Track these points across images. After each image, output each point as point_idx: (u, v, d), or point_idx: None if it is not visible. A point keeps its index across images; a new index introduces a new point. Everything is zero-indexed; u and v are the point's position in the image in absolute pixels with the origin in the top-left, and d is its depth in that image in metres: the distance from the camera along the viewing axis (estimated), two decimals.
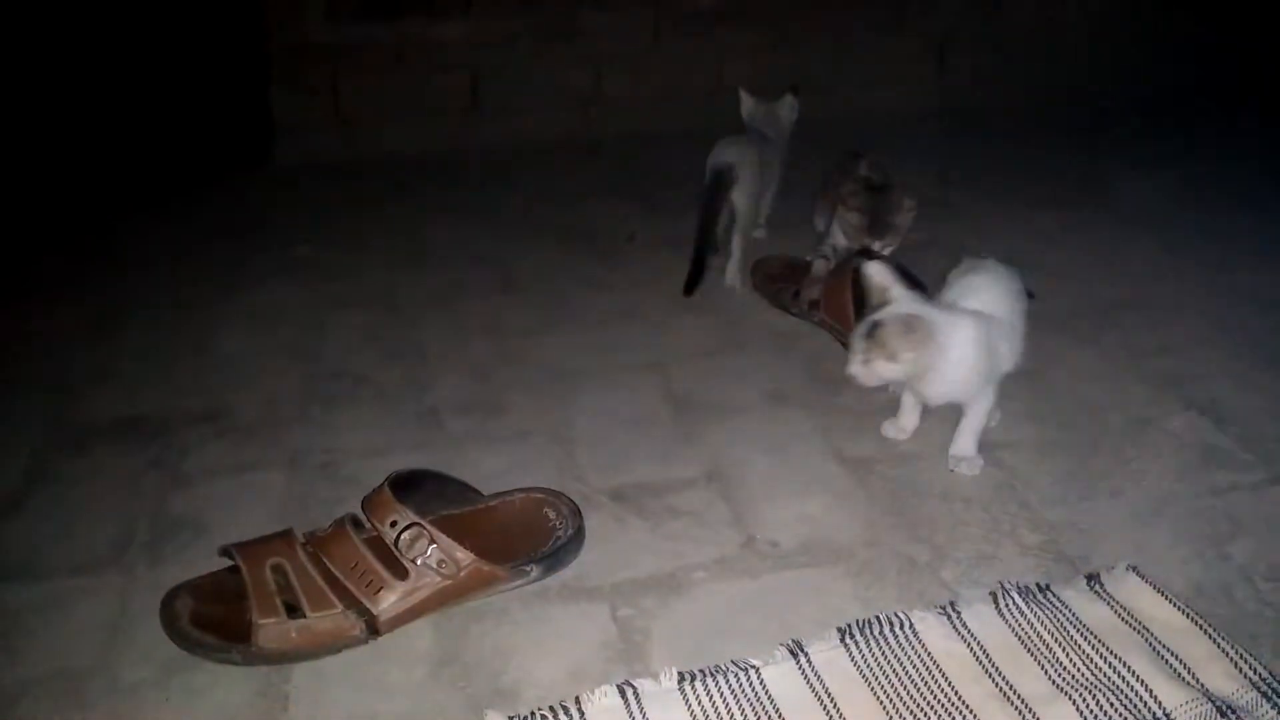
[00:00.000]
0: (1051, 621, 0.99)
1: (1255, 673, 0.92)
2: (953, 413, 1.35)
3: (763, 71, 2.66)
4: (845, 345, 1.54)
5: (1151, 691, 0.90)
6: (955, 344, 1.18)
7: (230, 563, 1.02)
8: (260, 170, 2.50)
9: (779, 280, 1.74)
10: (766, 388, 1.47)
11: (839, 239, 1.69)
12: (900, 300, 1.19)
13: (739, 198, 1.77)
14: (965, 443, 1.27)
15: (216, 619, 0.99)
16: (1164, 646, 0.95)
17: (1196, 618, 0.98)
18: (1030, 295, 1.37)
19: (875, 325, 1.17)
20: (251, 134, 2.50)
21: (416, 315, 1.74)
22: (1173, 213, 2.12)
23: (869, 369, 1.19)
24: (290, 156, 2.51)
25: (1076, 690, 0.91)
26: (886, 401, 1.41)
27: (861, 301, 1.54)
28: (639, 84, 2.72)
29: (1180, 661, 0.94)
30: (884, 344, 1.16)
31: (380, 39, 2.52)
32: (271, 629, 0.97)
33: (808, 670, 0.94)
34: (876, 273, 1.23)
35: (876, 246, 1.61)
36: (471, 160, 2.56)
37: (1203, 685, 0.91)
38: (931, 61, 2.92)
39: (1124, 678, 0.92)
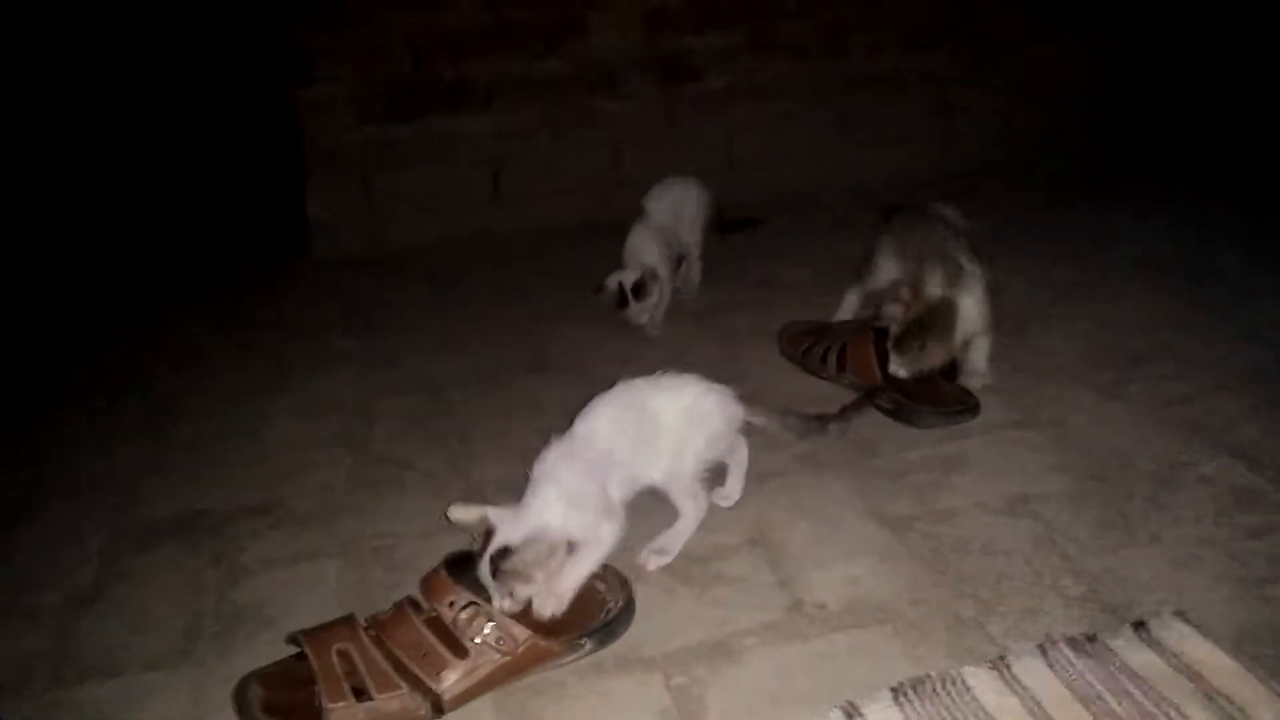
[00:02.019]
0: (1102, 671, 1.01)
1: None
2: (990, 469, 1.38)
3: (772, 143, 2.82)
4: (873, 405, 1.57)
5: None
6: (553, 531, 1.13)
7: (297, 649, 1.06)
8: (297, 264, 2.60)
9: (803, 342, 1.79)
10: (800, 451, 1.50)
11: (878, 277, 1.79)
12: (499, 523, 1.13)
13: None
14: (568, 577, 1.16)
15: (287, 705, 1.02)
16: (1215, 691, 0.97)
17: (1245, 660, 0.99)
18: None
19: (504, 555, 1.09)
20: (288, 230, 2.61)
21: (457, 399, 1.79)
22: (1183, 262, 2.15)
23: (516, 600, 1.10)
24: (326, 251, 2.61)
25: None
26: (920, 461, 1.45)
27: (884, 361, 1.59)
28: (656, 164, 2.81)
29: (1233, 704, 0.95)
30: (519, 571, 1.09)
31: (407, 137, 2.64)
32: (341, 713, 1.00)
33: None
34: (459, 515, 1.16)
35: (891, 364, 1.59)
36: (498, 246, 2.64)
37: None
38: (938, 126, 3.01)
39: None
